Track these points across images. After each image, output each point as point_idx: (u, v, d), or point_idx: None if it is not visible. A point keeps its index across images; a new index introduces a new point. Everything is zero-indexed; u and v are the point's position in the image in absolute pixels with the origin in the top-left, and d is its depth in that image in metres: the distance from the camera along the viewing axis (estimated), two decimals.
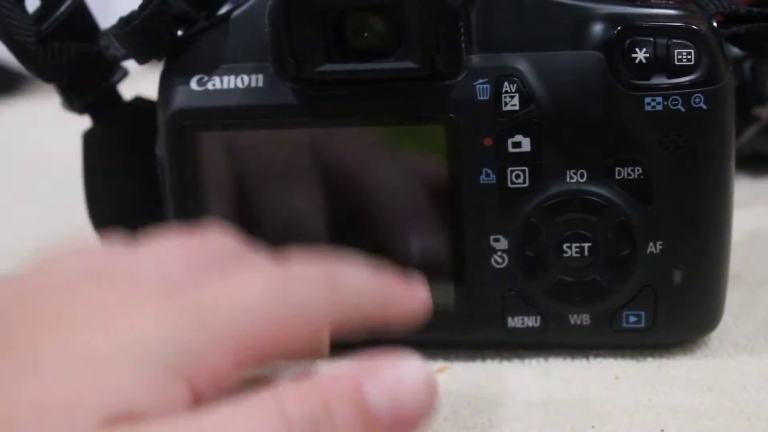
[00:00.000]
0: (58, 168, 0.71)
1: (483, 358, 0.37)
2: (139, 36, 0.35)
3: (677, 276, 0.35)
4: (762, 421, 0.32)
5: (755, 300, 0.41)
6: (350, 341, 0.38)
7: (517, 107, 0.34)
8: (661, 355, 0.36)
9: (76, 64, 0.38)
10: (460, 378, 0.36)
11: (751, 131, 0.47)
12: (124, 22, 0.35)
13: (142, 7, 0.35)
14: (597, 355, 0.37)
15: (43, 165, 0.75)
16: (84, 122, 0.41)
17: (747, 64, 0.47)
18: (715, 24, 0.34)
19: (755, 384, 0.34)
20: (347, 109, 0.35)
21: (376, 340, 0.37)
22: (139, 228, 0.41)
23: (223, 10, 0.37)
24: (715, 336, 0.37)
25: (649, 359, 0.36)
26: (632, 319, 0.36)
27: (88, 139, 0.41)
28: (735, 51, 0.48)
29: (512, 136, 0.34)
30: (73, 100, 0.39)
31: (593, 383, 0.35)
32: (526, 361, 0.37)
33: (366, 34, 0.34)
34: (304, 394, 0.24)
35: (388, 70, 0.34)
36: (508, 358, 0.37)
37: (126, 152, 0.41)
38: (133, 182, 0.41)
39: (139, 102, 0.40)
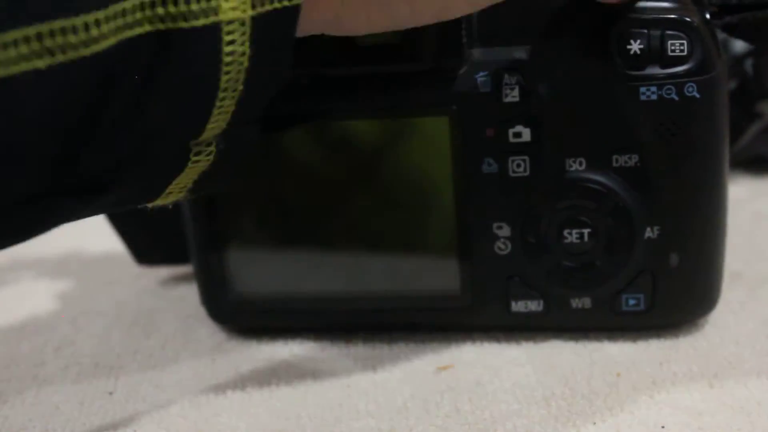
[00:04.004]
0: None
1: (485, 354, 0.37)
2: None
3: (674, 259, 0.36)
4: (763, 418, 0.32)
5: (756, 298, 0.41)
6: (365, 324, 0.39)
7: (517, 99, 0.35)
8: (662, 353, 0.37)
9: None
10: (461, 374, 0.36)
11: (754, 128, 0.46)
12: None
13: None
14: (599, 352, 0.37)
15: None
16: None
17: (749, 62, 0.46)
18: (708, 15, 0.35)
19: (756, 381, 0.34)
20: (355, 102, 0.36)
21: (382, 324, 0.39)
22: None
23: None
24: (716, 334, 0.38)
25: (651, 356, 0.36)
26: (631, 302, 0.37)
27: None
28: (737, 49, 0.48)
29: (513, 127, 0.35)
30: None
31: (595, 380, 0.35)
32: (529, 358, 0.37)
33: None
34: None
35: (394, 65, 0.35)
36: (511, 354, 0.37)
37: None
38: None
39: None
